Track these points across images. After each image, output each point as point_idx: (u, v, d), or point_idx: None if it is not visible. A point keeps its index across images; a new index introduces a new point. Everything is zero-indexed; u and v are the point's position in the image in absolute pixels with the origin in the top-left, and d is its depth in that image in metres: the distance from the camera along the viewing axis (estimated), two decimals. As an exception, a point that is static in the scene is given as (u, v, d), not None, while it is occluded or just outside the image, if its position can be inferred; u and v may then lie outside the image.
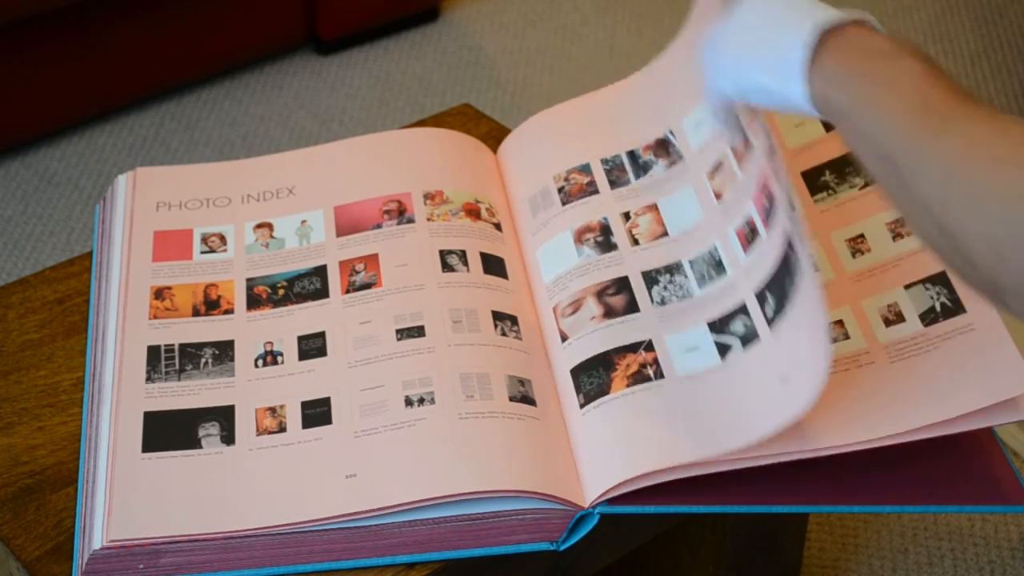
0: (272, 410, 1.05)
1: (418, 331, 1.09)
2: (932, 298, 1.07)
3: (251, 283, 1.15)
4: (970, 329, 1.04)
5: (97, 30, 2.20)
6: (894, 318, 1.07)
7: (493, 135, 1.33)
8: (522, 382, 1.06)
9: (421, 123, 1.38)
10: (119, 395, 1.06)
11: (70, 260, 1.23)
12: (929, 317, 1.06)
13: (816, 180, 1.15)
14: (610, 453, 1.00)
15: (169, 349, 1.09)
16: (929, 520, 1.67)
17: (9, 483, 1.04)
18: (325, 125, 2.35)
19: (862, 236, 1.11)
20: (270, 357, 1.09)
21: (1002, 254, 0.74)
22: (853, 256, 1.11)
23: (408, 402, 1.04)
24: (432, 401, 1.04)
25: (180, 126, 2.34)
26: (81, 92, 2.26)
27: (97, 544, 0.96)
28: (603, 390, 1.05)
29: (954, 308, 1.06)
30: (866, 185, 1.13)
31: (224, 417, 1.04)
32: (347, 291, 1.13)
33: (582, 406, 1.05)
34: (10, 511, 1.02)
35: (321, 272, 1.15)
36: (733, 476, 0.98)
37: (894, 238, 1.10)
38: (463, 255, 1.15)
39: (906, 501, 1.01)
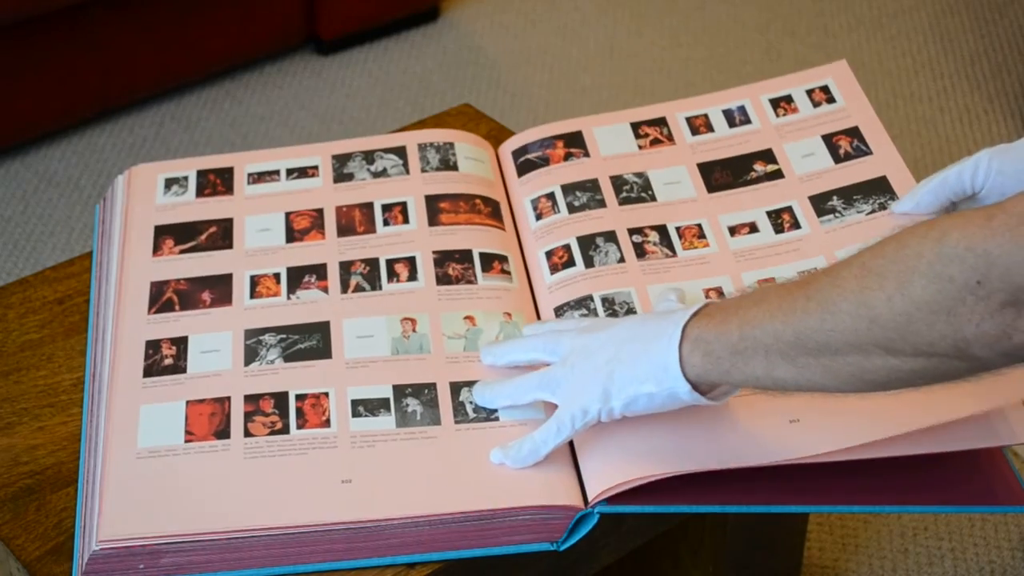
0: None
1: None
2: None
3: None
4: None
5: (97, 30, 2.20)
6: None
7: (493, 135, 1.32)
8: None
9: (421, 123, 1.37)
10: (116, 393, 1.05)
11: (70, 260, 1.23)
12: None
13: (823, 204, 1.16)
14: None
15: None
16: (929, 520, 1.67)
17: (9, 483, 1.03)
18: (325, 125, 2.35)
19: None
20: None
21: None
22: None
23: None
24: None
25: (180, 126, 2.34)
26: (81, 92, 2.26)
27: (97, 544, 0.96)
28: None
29: None
30: (873, 212, 1.14)
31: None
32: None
33: None
34: (10, 511, 1.02)
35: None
36: (733, 476, 0.98)
37: None
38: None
39: (906, 501, 1.01)
